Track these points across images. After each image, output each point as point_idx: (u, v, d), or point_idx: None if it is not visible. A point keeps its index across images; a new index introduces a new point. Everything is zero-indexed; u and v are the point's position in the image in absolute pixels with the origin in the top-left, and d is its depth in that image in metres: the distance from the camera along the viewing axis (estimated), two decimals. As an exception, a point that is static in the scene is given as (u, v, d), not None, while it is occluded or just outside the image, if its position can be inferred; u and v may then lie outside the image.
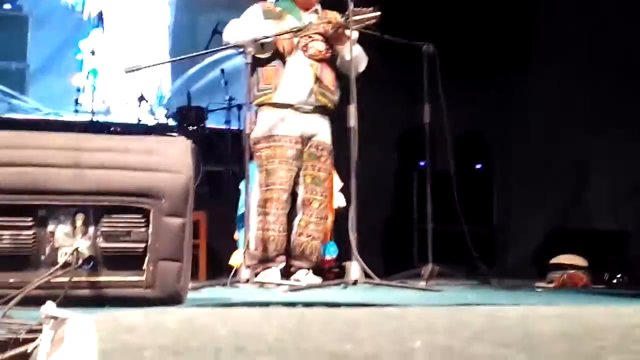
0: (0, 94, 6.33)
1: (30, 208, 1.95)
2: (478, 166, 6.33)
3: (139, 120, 6.01)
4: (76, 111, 5.85)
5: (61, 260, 1.95)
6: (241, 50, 3.62)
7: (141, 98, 5.90)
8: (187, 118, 5.87)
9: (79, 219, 1.97)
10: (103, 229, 2.00)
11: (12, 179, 1.91)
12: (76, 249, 1.93)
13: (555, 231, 5.59)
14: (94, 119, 5.89)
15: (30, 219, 1.95)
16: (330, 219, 4.08)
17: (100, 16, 5.96)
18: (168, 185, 2.02)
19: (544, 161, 5.87)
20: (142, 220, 2.01)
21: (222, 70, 6.22)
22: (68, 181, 1.96)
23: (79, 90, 5.86)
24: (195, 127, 5.79)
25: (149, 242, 2.00)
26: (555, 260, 3.98)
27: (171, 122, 6.07)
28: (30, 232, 1.95)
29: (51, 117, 6.38)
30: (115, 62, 5.93)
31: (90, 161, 1.99)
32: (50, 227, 1.98)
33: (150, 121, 6.17)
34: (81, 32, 6.64)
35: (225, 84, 6.14)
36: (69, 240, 1.97)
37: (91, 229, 2.00)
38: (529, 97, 6.06)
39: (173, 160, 2.06)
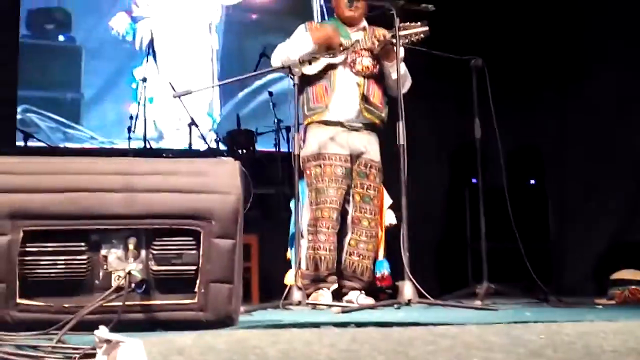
0: (56, 123, 6.50)
1: (84, 233, 1.97)
2: (532, 182, 6.20)
3: (190, 146, 6.09)
4: (129, 138, 5.95)
5: (114, 284, 1.96)
6: (288, 71, 3.62)
7: (192, 123, 5.97)
8: (237, 142, 5.92)
9: (131, 242, 1.99)
10: (154, 252, 2.01)
11: (65, 205, 1.94)
12: (128, 272, 1.95)
13: (615, 245, 5.41)
14: (147, 146, 5.98)
15: (83, 243, 1.98)
16: (382, 236, 4.04)
17: (151, 44, 6.06)
18: (217, 206, 2.03)
19: (600, 173, 5.71)
20: (193, 243, 2.02)
21: (270, 93, 6.27)
22: (120, 205, 1.98)
23: (131, 118, 5.96)
24: (245, 151, 5.83)
25: (200, 264, 2.01)
26: (616, 275, 3.85)
27: (221, 147, 6.13)
28: (84, 257, 1.97)
29: (105, 146, 6.51)
30: (166, 89, 6.02)
31: (141, 185, 2.01)
32: (103, 252, 2.00)
33: (201, 146, 6.24)
34: (134, 60, 6.78)
35: (274, 107, 6.18)
36: (122, 264, 1.99)
37: (143, 253, 2.01)
38: (583, 108, 5.91)
39: (222, 182, 2.07)
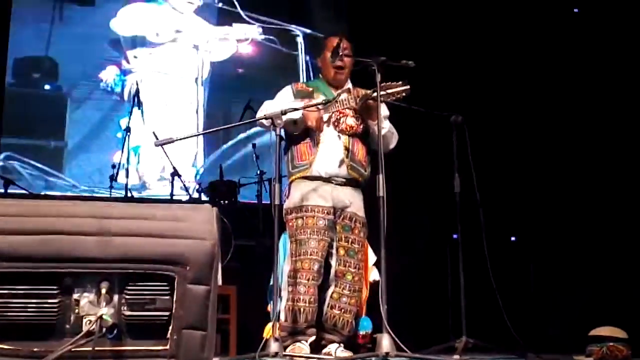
0: (38, 171, 6.49)
1: (56, 276, 1.95)
2: (513, 238, 6.23)
3: (172, 195, 6.08)
4: (111, 187, 5.94)
5: (85, 328, 1.94)
6: (270, 123, 3.64)
7: (174, 173, 5.97)
8: (219, 192, 5.93)
9: (104, 286, 1.98)
10: (127, 296, 1.99)
11: (38, 247, 1.93)
12: (100, 317, 1.92)
13: (594, 302, 5.42)
14: (128, 195, 5.96)
15: (55, 287, 1.95)
16: (365, 293, 4.00)
17: (137, 95, 6.12)
18: (193, 252, 2.02)
19: (581, 229, 5.76)
20: (167, 288, 2.00)
21: (254, 145, 6.30)
22: (94, 248, 1.97)
23: (114, 166, 5.97)
24: (226, 201, 5.83)
25: (173, 310, 1.99)
26: (594, 332, 3.83)
27: (203, 197, 6.13)
28: (56, 300, 1.95)
29: (87, 194, 6.50)
30: (151, 139, 6.04)
31: (116, 228, 2.00)
32: (75, 295, 1.98)
33: (183, 196, 6.23)
34: (120, 111, 6.83)
35: (257, 159, 6.20)
36: (94, 308, 1.97)
37: (116, 297, 2.00)
38: (564, 164, 6.01)
39: (198, 227, 2.07)
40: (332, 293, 3.77)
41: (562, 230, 5.93)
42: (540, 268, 6.00)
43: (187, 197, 6.17)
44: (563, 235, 5.91)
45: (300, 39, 7.52)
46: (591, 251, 5.71)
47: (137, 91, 6.12)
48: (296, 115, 3.72)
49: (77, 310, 1.97)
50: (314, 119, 3.76)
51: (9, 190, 5.90)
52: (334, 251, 3.80)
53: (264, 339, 3.41)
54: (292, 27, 7.53)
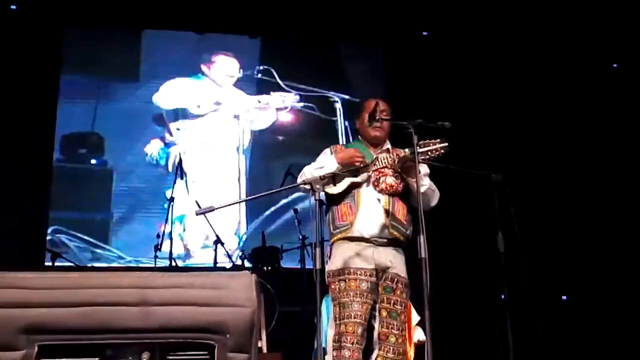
0: (85, 243, 6.61)
1: (98, 347, 1.97)
2: (564, 297, 6.07)
3: (215, 263, 6.10)
4: (156, 257, 5.99)
5: (128, 401, 1.93)
6: (309, 188, 3.66)
7: (217, 241, 6.01)
8: (262, 259, 5.94)
9: (145, 357, 1.97)
10: (169, 366, 1.98)
11: (80, 320, 1.95)
12: (142, 389, 1.92)
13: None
14: (172, 264, 6.01)
15: (97, 358, 1.96)
16: (410, 354, 3.92)
17: (180, 166, 6.24)
18: (232, 319, 2.01)
19: (629, 289, 5.59)
20: (207, 357, 1.99)
21: (296, 210, 6.32)
22: (134, 319, 1.98)
23: (158, 236, 6.03)
24: (270, 268, 5.83)
25: (214, 379, 1.97)
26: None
27: (247, 264, 6.14)
28: (98, 371, 1.95)
29: (132, 265, 6.57)
30: (194, 208, 6.13)
31: (156, 298, 2.01)
32: (117, 366, 1.98)
33: (226, 263, 6.26)
34: (164, 182, 6.96)
35: (299, 224, 6.21)
36: (135, 379, 1.96)
37: (157, 367, 1.99)
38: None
39: (237, 295, 2.06)
40: (377, 357, 3.70)
41: (611, 287, 5.76)
42: (592, 327, 5.81)
43: (230, 265, 6.19)
44: (613, 292, 5.74)
45: (338, 105, 7.62)
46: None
47: (180, 162, 6.25)
48: (331, 164, 3.74)
49: (119, 382, 1.96)
50: (352, 153, 3.77)
51: (56, 263, 6.00)
52: (376, 313, 3.74)
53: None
54: (331, 93, 7.64)
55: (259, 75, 7.61)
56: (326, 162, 3.84)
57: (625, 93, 6.24)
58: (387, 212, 3.79)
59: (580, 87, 6.49)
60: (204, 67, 7.54)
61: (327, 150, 3.99)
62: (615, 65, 6.69)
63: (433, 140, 3.68)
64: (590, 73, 6.54)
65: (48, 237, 6.48)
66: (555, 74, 6.60)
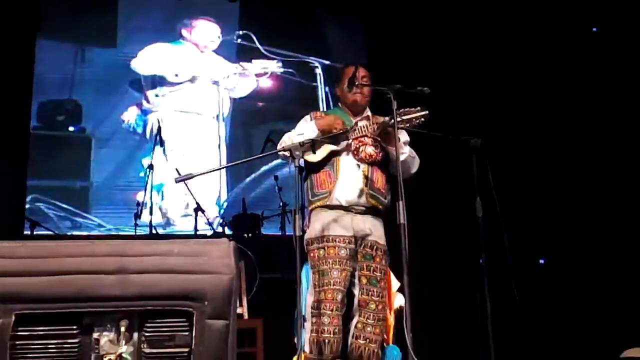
0: (64, 212, 6.57)
1: (76, 316, 1.97)
2: (542, 261, 6.15)
3: (196, 231, 6.10)
4: (136, 225, 5.98)
5: (106, 367, 1.94)
6: (289, 155, 3.65)
7: (198, 209, 6.00)
8: (243, 226, 5.95)
9: (123, 325, 1.98)
10: (147, 334, 1.99)
11: (58, 288, 1.94)
12: (120, 355, 1.92)
13: (626, 324, 5.30)
14: (153, 232, 6.00)
15: (75, 327, 1.97)
16: (390, 320, 3.96)
17: (158, 133, 6.18)
18: (210, 287, 2.02)
19: (612, 250, 5.66)
20: (186, 324, 2.00)
21: (276, 177, 6.32)
22: (113, 287, 1.98)
23: (138, 204, 6.01)
24: (250, 235, 5.83)
25: (193, 346, 1.98)
26: (626, 353, 3.75)
27: (227, 231, 6.14)
28: (76, 340, 1.96)
29: (112, 233, 6.55)
30: (173, 176, 6.10)
31: (134, 266, 2.01)
32: (95, 335, 1.99)
33: (207, 231, 6.26)
34: (142, 150, 6.91)
35: (279, 191, 6.22)
36: (114, 347, 1.97)
37: (135, 335, 2.00)
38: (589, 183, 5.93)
39: (215, 262, 2.07)
40: (357, 323, 3.73)
41: (591, 250, 5.83)
42: (570, 290, 5.89)
43: (211, 232, 6.19)
44: (592, 255, 5.81)
45: (319, 71, 7.57)
46: (622, 270, 5.60)
47: (159, 129, 6.19)
48: (312, 131, 3.73)
49: (97, 350, 1.97)
50: (331, 121, 3.77)
51: (35, 232, 5.97)
52: (356, 280, 3.77)
53: (291, 372, 3.39)
54: (311, 59, 7.59)
55: (239, 40, 7.54)
56: (306, 129, 3.84)
57: (605, 57, 6.25)
58: (366, 181, 3.79)
59: (560, 50, 6.50)
60: (184, 32, 7.45)
61: (307, 117, 3.98)
62: (594, 29, 6.70)
63: (413, 109, 3.67)
64: (570, 37, 6.54)
65: (27, 206, 6.43)
66: (535, 38, 6.59)
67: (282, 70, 7.53)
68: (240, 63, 7.48)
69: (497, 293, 4.06)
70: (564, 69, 6.42)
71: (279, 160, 6.27)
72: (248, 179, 7.06)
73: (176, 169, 5.67)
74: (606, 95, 6.07)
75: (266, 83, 7.54)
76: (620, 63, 6.15)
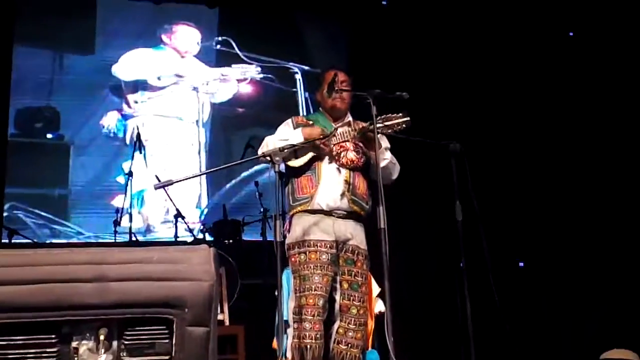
0: (43, 220, 6.51)
1: (54, 324, 1.94)
2: (521, 264, 6.19)
3: (176, 237, 6.08)
4: (115, 232, 5.94)
5: (85, 376, 1.92)
6: (269, 160, 3.64)
7: (178, 215, 5.98)
8: (223, 232, 5.93)
9: (102, 333, 1.96)
10: (126, 342, 1.97)
11: (35, 297, 1.92)
12: (99, 364, 1.91)
13: (605, 326, 5.36)
14: (133, 239, 5.97)
15: (53, 335, 1.94)
16: (371, 325, 3.96)
17: (138, 139, 6.15)
18: (191, 294, 2.00)
19: (592, 253, 5.72)
20: (166, 332, 1.98)
21: (257, 183, 6.31)
22: (92, 295, 1.96)
23: (117, 211, 5.98)
24: (231, 241, 5.82)
25: (173, 354, 1.97)
26: (605, 355, 3.78)
27: (208, 237, 6.12)
28: (54, 349, 1.93)
29: (92, 240, 6.50)
30: (153, 182, 6.08)
31: (113, 274, 1.99)
32: (74, 343, 1.96)
33: (188, 237, 6.23)
34: (122, 156, 6.87)
35: (260, 197, 6.21)
36: (93, 355, 1.95)
37: (115, 343, 1.98)
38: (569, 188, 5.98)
39: (195, 268, 2.05)
40: (338, 328, 3.73)
41: (570, 252, 5.89)
42: (549, 292, 5.94)
43: (192, 239, 6.17)
44: (571, 258, 5.87)
45: (298, 76, 7.58)
46: (600, 273, 5.66)
47: (139, 135, 6.15)
48: (297, 139, 3.73)
49: (76, 359, 1.95)
50: (319, 134, 3.77)
51: (13, 240, 5.91)
52: (337, 285, 3.77)
53: (272, 379, 3.38)
54: (290, 64, 7.60)
55: (218, 47, 7.53)
56: (290, 135, 3.83)
57: (582, 61, 6.32)
58: (347, 186, 3.80)
59: (537, 55, 6.56)
60: (164, 37, 7.42)
61: (289, 121, 3.98)
62: (571, 33, 6.77)
63: (395, 115, 3.69)
64: (547, 41, 6.61)
65: (4, 214, 6.37)
66: (513, 42, 6.65)
67: (261, 75, 7.53)
68: (220, 69, 7.47)
69: (478, 295, 4.09)
70: (541, 73, 6.48)
71: (259, 166, 6.30)
72: (228, 185, 7.05)
73: (156, 176, 5.63)
74: (582, 100, 6.14)
75: (246, 89, 7.54)
76: (596, 67, 6.22)
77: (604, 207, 5.84)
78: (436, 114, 5.90)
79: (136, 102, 7.15)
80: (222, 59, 7.51)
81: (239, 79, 7.49)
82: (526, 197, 6.24)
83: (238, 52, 7.48)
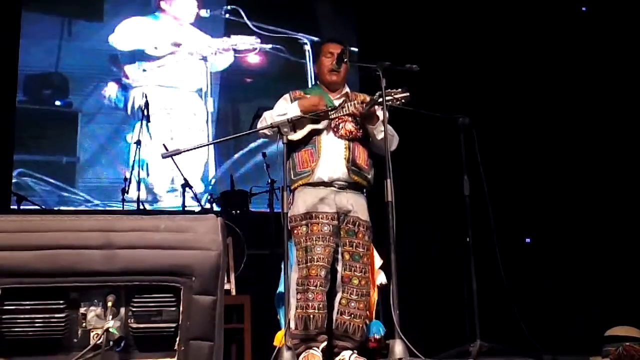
0: (51, 186, 6.53)
1: (62, 290, 1.96)
2: (527, 240, 6.19)
3: (184, 207, 6.09)
4: (123, 200, 5.95)
5: (92, 342, 1.94)
6: (277, 131, 3.63)
7: (185, 185, 5.98)
8: (231, 202, 5.93)
9: (110, 300, 1.98)
10: (134, 309, 1.99)
11: (44, 262, 1.93)
12: (107, 330, 1.93)
13: (610, 303, 5.36)
14: (140, 208, 5.98)
15: (62, 301, 1.96)
16: (373, 296, 3.98)
17: (145, 109, 6.11)
18: (198, 262, 2.02)
19: (596, 229, 5.70)
20: (173, 299, 2.01)
21: (264, 154, 6.30)
22: (99, 262, 1.97)
23: (125, 180, 5.98)
24: (238, 211, 5.83)
25: (180, 322, 1.99)
26: (610, 332, 3.78)
27: (215, 207, 6.13)
28: (62, 314, 1.96)
29: (99, 208, 6.52)
30: (159, 152, 6.06)
31: (121, 241, 2.00)
32: (82, 309, 1.99)
33: (195, 207, 6.24)
34: (128, 125, 6.86)
35: (267, 168, 6.20)
36: (100, 321, 1.97)
37: (122, 310, 2.00)
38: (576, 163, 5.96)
39: (203, 237, 2.06)
40: (341, 299, 3.76)
41: (576, 230, 5.88)
42: (555, 269, 5.94)
43: (199, 208, 6.18)
44: (578, 235, 5.86)
45: (307, 47, 7.53)
46: (606, 250, 5.65)
47: (147, 104, 6.09)
48: (294, 112, 3.73)
49: (84, 324, 1.97)
50: (315, 102, 3.76)
51: (22, 207, 5.94)
52: (339, 256, 3.80)
53: (276, 348, 3.40)
54: (299, 35, 7.54)
55: (227, 15, 7.47)
56: (288, 109, 3.84)
57: (595, 37, 6.26)
58: (347, 157, 3.82)
59: (549, 30, 6.49)
60: (163, 4, 7.35)
61: (287, 96, 4.00)
62: (584, 8, 6.69)
63: (395, 90, 3.68)
64: (559, 16, 6.53)
65: (13, 180, 6.38)
66: (525, 16, 6.58)
67: (270, 46, 7.47)
68: (224, 38, 7.41)
69: (484, 270, 4.10)
70: (553, 48, 6.42)
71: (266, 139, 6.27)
72: (236, 155, 7.04)
73: (163, 145, 5.63)
74: (595, 75, 6.08)
75: (254, 59, 7.49)
76: (609, 43, 6.15)
77: (613, 184, 5.81)
78: (446, 88, 5.87)
79: (138, 70, 7.10)
80: (230, 28, 7.45)
81: (247, 49, 7.44)
82: (534, 173, 6.21)
83: (247, 21, 7.42)
